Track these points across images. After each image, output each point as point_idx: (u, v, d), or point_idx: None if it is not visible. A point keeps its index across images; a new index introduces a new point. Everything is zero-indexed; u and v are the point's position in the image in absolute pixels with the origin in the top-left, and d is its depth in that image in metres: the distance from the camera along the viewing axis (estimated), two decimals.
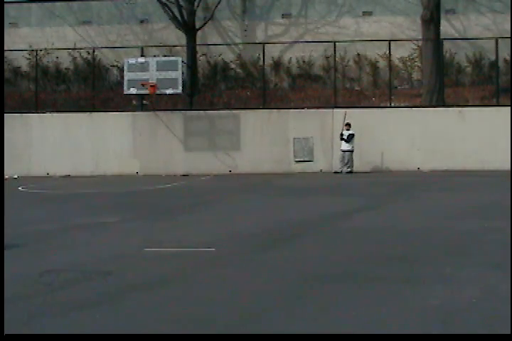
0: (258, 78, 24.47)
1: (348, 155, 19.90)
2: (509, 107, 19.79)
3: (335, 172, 20.04)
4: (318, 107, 21.51)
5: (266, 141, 21.11)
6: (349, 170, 19.81)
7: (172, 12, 24.18)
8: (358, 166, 20.23)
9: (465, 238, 7.58)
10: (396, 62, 24.41)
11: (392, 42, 22.40)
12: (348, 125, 19.93)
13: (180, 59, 21.29)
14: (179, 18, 24.11)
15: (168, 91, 20.64)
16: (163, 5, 24.27)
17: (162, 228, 9.09)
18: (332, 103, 21.63)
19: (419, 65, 24.19)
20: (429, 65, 21.88)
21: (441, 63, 22.06)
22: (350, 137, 19.80)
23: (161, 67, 20.59)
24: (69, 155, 21.26)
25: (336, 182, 17.14)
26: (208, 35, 26.55)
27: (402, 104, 22.10)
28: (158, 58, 21.34)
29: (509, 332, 4.04)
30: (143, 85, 20.30)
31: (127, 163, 20.95)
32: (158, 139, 21.28)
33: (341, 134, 19.93)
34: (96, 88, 23.55)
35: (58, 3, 27.34)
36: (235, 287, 5.40)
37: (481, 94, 22.93)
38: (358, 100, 23.15)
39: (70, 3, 27.34)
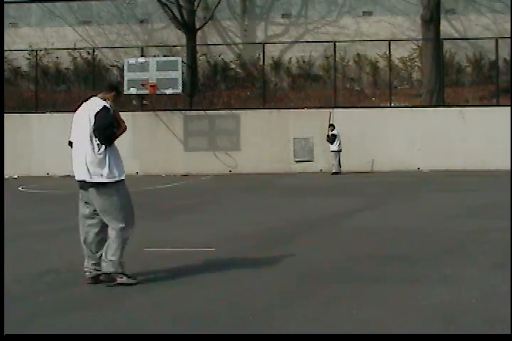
0: (258, 78, 24.47)
1: (333, 156, 19.82)
2: (509, 107, 19.80)
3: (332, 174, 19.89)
4: (318, 107, 21.52)
5: (266, 141, 21.12)
6: (334, 171, 19.69)
7: (172, 12, 24.19)
8: (357, 166, 20.24)
9: (465, 238, 7.58)
10: (396, 62, 24.43)
11: (392, 42, 22.42)
12: (332, 126, 19.94)
13: (180, 59, 21.30)
14: (179, 18, 24.11)
15: (168, 92, 20.65)
16: (163, 5, 24.29)
17: (162, 228, 9.08)
18: (332, 103, 21.63)
19: (419, 65, 24.21)
20: (429, 65, 21.90)
21: (441, 63, 22.07)
22: (332, 138, 19.76)
23: (161, 67, 20.60)
24: (69, 155, 21.18)
25: (336, 182, 17.14)
26: (208, 35, 26.56)
27: (402, 104, 22.12)
28: (158, 58, 21.35)
29: (509, 332, 4.04)
30: (143, 85, 20.31)
31: (127, 163, 20.74)
32: (158, 139, 21.29)
33: (327, 135, 19.95)
34: (96, 88, 23.55)
35: (58, 3, 27.36)
36: (235, 287, 5.40)
37: (481, 94, 22.95)
38: (358, 100, 23.16)
39: (70, 3, 27.36)
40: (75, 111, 5.79)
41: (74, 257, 6.77)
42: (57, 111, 21.87)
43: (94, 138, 5.47)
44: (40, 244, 7.89)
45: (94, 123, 5.44)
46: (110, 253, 5.47)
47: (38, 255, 7.18)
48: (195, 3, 24.72)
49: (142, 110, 21.88)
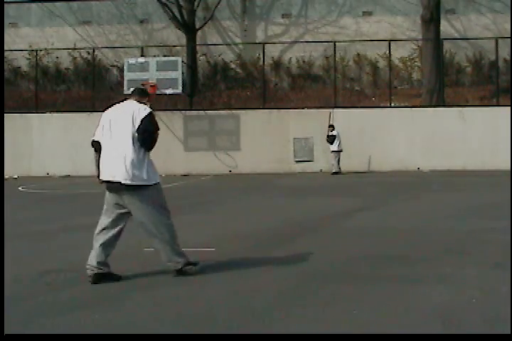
0: (258, 78, 24.48)
1: (333, 156, 19.87)
2: (509, 107, 19.82)
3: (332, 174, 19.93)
4: (318, 107, 21.53)
5: (266, 141, 21.12)
6: (334, 171, 19.74)
7: (172, 12, 24.20)
8: (357, 166, 20.25)
9: (465, 238, 7.58)
10: (396, 62, 24.44)
11: (392, 42, 22.44)
12: (332, 126, 19.99)
13: (180, 59, 21.31)
14: (179, 18, 24.13)
15: (168, 92, 20.66)
16: (163, 5, 24.30)
17: None
18: (332, 103, 21.64)
19: (419, 65, 24.21)
20: (429, 65, 21.92)
21: (441, 63, 22.09)
22: (332, 138, 19.79)
23: (161, 67, 20.61)
24: (69, 155, 21.27)
25: (335, 182, 17.14)
26: (207, 35, 26.57)
27: (402, 104, 22.12)
28: (158, 58, 21.36)
29: (509, 332, 4.04)
30: (143, 85, 20.27)
31: None
32: (158, 139, 21.26)
33: (327, 136, 20.00)
34: (96, 88, 23.58)
35: (58, 3, 27.38)
36: (234, 287, 5.40)
37: (481, 94, 22.96)
38: (358, 100, 23.17)
39: (70, 3, 27.38)
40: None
41: (74, 257, 6.76)
42: (57, 111, 21.88)
43: (136, 141, 5.48)
44: (40, 244, 7.89)
45: (139, 127, 5.48)
46: (165, 253, 5.68)
47: (38, 255, 7.17)
48: (195, 3, 24.73)
49: None
